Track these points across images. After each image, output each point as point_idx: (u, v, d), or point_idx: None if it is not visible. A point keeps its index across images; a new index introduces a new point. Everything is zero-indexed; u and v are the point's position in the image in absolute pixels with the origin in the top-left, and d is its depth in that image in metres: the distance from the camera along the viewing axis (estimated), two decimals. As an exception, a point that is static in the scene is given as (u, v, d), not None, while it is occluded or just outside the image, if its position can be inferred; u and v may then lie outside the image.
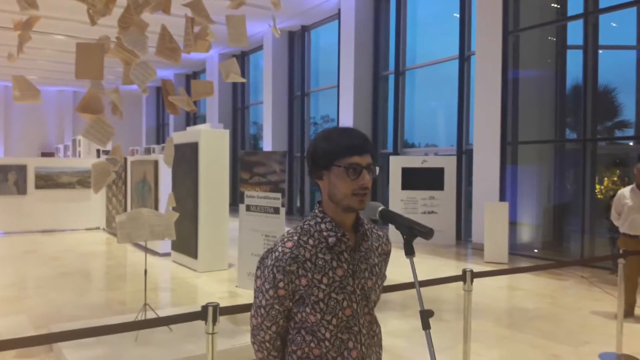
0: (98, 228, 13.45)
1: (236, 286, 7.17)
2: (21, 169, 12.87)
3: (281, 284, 1.45)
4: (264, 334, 1.52)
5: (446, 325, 5.56)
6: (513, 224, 10.26)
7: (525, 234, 10.78)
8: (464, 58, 11.87)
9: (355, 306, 1.50)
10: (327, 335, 1.47)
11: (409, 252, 1.49)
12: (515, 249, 9.99)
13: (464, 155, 11.88)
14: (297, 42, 17.30)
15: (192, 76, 24.37)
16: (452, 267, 8.74)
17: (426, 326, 1.42)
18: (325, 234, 1.49)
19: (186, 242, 8.42)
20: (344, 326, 1.48)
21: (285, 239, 1.49)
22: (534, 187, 10.93)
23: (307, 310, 1.46)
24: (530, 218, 10.80)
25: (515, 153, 10.66)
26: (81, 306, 6.25)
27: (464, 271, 3.47)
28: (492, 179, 10.45)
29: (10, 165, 12.87)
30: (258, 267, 1.52)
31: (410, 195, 11.43)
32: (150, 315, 4.65)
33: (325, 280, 1.45)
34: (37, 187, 12.97)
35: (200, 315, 2.46)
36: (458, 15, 12.03)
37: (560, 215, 10.60)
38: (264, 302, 1.49)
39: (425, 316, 1.42)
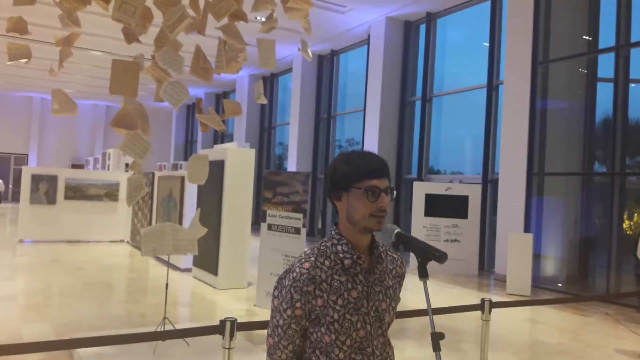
0: (122, 241, 13.68)
1: (254, 305, 7.20)
2: (52, 179, 13.23)
3: (298, 304, 1.48)
4: (280, 352, 1.54)
5: (463, 356, 5.47)
6: (537, 256, 10.08)
7: (550, 267, 10.57)
8: (492, 87, 11.86)
9: (369, 327, 1.52)
10: (341, 355, 1.49)
11: (423, 274, 1.52)
12: (538, 282, 9.80)
13: (490, 184, 11.78)
14: (325, 65, 17.54)
15: (223, 96, 24.84)
16: (473, 298, 8.61)
17: (436, 348, 1.45)
18: (341, 255, 1.53)
19: (207, 259, 8.50)
20: (358, 347, 1.51)
21: (303, 260, 1.53)
22: (560, 219, 10.74)
23: (322, 330, 1.49)
24: (555, 251, 10.60)
25: (541, 184, 10.53)
26: (102, 317, 6.36)
27: (483, 300, 3.45)
28: (517, 209, 10.32)
29: (42, 175, 13.25)
30: (276, 287, 1.56)
31: (433, 222, 11.35)
32: (169, 328, 4.71)
33: (340, 301, 1.49)
34: (67, 197, 13.29)
35: (218, 329, 2.50)
36: (487, 44, 12.07)
37: (586, 250, 10.38)
38: (281, 322, 1.52)
39: (436, 338, 1.44)
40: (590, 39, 10.51)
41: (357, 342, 1.51)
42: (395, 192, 1.55)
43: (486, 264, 11.57)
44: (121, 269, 10.18)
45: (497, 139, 11.53)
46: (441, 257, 1.51)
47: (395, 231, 1.62)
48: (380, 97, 13.98)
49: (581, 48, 10.60)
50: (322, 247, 1.56)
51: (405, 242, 1.59)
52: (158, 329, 4.79)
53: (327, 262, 1.52)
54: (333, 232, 1.58)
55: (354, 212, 1.52)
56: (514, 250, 9.18)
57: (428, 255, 1.53)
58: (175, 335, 2.79)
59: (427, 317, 1.53)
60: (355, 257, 1.53)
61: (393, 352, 1.65)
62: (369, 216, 1.51)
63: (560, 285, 10.04)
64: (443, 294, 8.62)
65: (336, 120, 17.27)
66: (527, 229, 10.09)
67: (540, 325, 7.13)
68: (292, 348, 1.53)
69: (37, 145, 29.17)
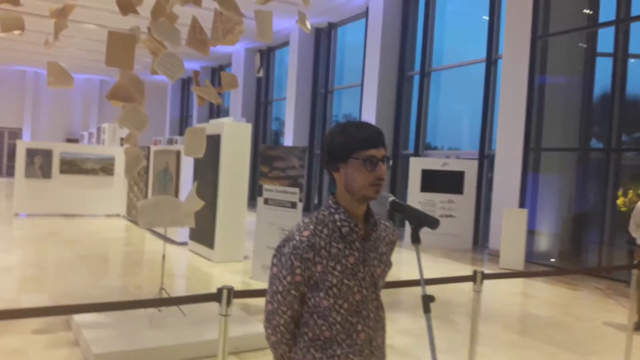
0: (118, 215, 13.71)
1: (250, 278, 7.27)
2: (47, 154, 13.17)
3: (298, 271, 1.52)
4: (279, 318, 1.58)
5: (455, 327, 5.56)
6: (531, 232, 10.16)
7: (543, 242, 10.67)
8: (491, 61, 11.79)
9: (364, 292, 1.58)
10: (338, 318, 1.54)
11: (416, 239, 1.56)
12: (532, 257, 9.89)
13: (486, 159, 11.81)
14: (323, 39, 17.35)
15: (219, 69, 24.61)
16: (465, 271, 8.70)
17: (427, 310, 1.49)
18: (339, 223, 1.56)
19: (204, 232, 8.54)
20: (354, 310, 1.56)
21: (302, 228, 1.57)
22: (555, 195, 10.80)
23: (321, 295, 1.53)
24: (549, 227, 10.69)
25: (537, 160, 10.55)
26: (99, 288, 6.41)
27: (475, 272, 3.50)
28: (512, 185, 10.36)
29: (36, 149, 13.19)
30: (275, 255, 1.59)
31: (428, 198, 11.40)
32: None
33: (338, 267, 1.53)
34: (62, 171, 13.26)
35: (215, 297, 2.54)
36: (487, 18, 11.95)
37: (579, 226, 10.47)
38: (280, 288, 1.56)
39: (427, 301, 1.49)
40: (590, 12, 10.42)
41: (354, 305, 1.56)
42: (391, 161, 1.57)
43: (480, 239, 11.66)
44: (117, 242, 10.23)
45: (495, 114, 11.50)
46: (434, 223, 1.54)
47: (390, 199, 1.64)
48: (379, 71, 13.88)
49: (581, 22, 10.51)
50: (320, 216, 1.60)
51: (400, 210, 1.62)
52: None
53: (325, 230, 1.56)
54: (330, 202, 1.61)
55: (353, 181, 1.55)
56: (508, 226, 9.25)
57: (421, 221, 1.56)
58: (173, 302, 2.83)
59: (419, 289, 1.56)
60: (352, 224, 1.56)
61: (384, 316, 1.71)
62: (367, 185, 1.54)
63: (553, 260, 10.15)
64: (437, 267, 8.71)
65: (333, 95, 17.18)
66: (522, 205, 10.15)
67: (532, 299, 7.23)
68: (290, 313, 1.57)
69: (30, 119, 28.96)
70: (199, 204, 5.08)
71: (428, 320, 1.50)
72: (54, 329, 4.74)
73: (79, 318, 4.61)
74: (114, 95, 4.69)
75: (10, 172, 21.61)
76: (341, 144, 1.56)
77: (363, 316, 1.58)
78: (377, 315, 1.64)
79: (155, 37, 4.81)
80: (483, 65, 11.94)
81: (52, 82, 5.14)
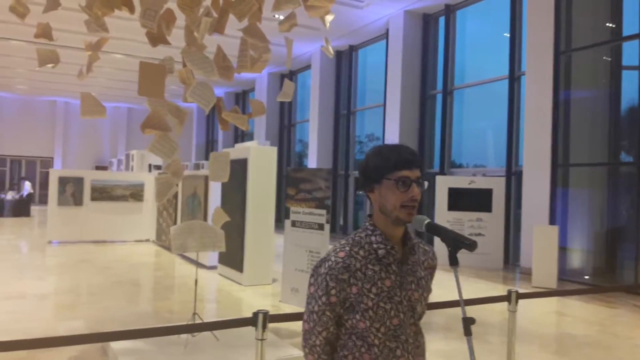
0: (148, 240, 13.91)
1: (280, 301, 7.27)
2: (78, 181, 13.50)
3: (333, 292, 1.54)
4: (315, 338, 1.59)
5: (490, 348, 5.47)
6: (563, 249, 9.97)
7: (576, 259, 10.44)
8: (514, 78, 11.74)
9: (402, 316, 1.57)
10: (376, 342, 1.54)
11: (454, 262, 1.56)
12: (564, 274, 9.69)
13: (514, 176, 11.68)
14: (344, 61, 17.54)
15: (242, 94, 25.01)
16: (498, 291, 8.57)
17: (467, 333, 1.49)
18: (375, 245, 1.57)
19: (233, 256, 8.62)
20: (392, 335, 1.55)
21: (338, 250, 1.58)
22: (586, 211, 10.60)
23: (357, 317, 1.54)
24: (581, 243, 10.47)
25: (566, 176, 10.40)
26: (132, 314, 6.50)
27: (509, 291, 3.46)
28: (541, 201, 10.22)
29: (68, 177, 13.53)
30: (312, 275, 1.61)
31: (456, 217, 11.30)
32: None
33: (374, 290, 1.54)
34: (93, 199, 13.56)
35: (251, 321, 2.57)
36: (508, 35, 11.94)
37: (613, 242, 10.23)
38: (316, 308, 1.57)
39: (467, 323, 1.49)
40: (613, 26, 10.33)
41: (392, 329, 1.55)
42: (427, 183, 1.59)
43: (511, 257, 11.48)
44: (148, 267, 10.37)
45: (520, 130, 11.41)
46: (471, 245, 1.54)
47: (425, 222, 1.65)
48: (400, 91, 13.94)
49: (604, 36, 10.42)
50: (356, 238, 1.61)
51: (436, 232, 1.63)
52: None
53: (361, 252, 1.57)
54: (367, 224, 1.63)
55: (386, 202, 1.57)
56: (539, 243, 9.10)
57: (458, 243, 1.56)
58: (209, 327, 2.87)
59: (452, 310, 1.57)
60: (389, 247, 1.57)
61: (424, 342, 1.69)
62: (400, 206, 1.55)
63: (587, 277, 9.92)
64: (469, 287, 8.59)
65: (356, 115, 17.28)
66: (552, 222, 9.99)
67: (567, 318, 7.07)
68: (325, 334, 1.58)
69: (61, 148, 29.74)
70: (225, 218, 5.12)
71: (469, 342, 1.50)
72: (91, 357, 4.82)
73: (115, 345, 4.69)
74: (147, 125, 4.83)
75: (43, 200, 22.18)
76: (376, 165, 1.59)
77: (402, 341, 1.57)
78: (417, 340, 1.63)
79: (189, 67, 4.95)
80: (506, 82, 11.90)
81: (86, 112, 5.28)
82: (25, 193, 21.84)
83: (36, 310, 6.63)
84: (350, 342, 1.58)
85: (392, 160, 1.56)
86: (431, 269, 1.72)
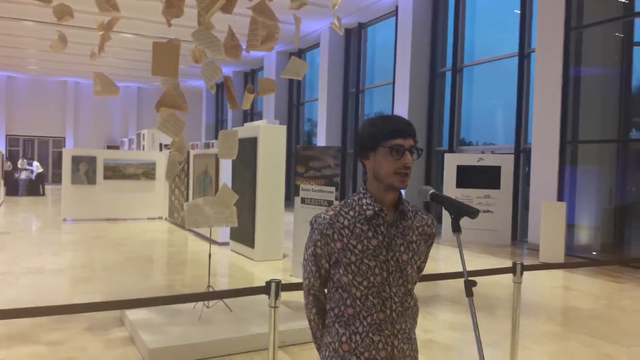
0: (160, 218, 14.13)
1: (290, 275, 7.44)
2: (91, 160, 13.70)
3: (319, 244, 1.70)
4: (306, 281, 1.77)
5: (495, 321, 5.60)
6: (571, 225, 10.03)
7: (584, 236, 10.50)
8: (524, 55, 11.67)
9: (385, 274, 1.66)
10: (358, 294, 1.66)
11: (456, 229, 1.65)
12: (572, 250, 9.77)
13: (522, 154, 11.70)
14: (353, 39, 17.46)
15: (250, 73, 24.99)
16: (505, 265, 8.67)
17: (469, 294, 1.59)
18: (365, 207, 1.69)
19: (244, 232, 8.78)
20: (375, 291, 1.65)
21: (329, 209, 1.73)
22: (594, 188, 10.62)
23: (341, 271, 1.67)
24: (589, 220, 10.52)
25: (575, 153, 10.41)
26: (147, 288, 6.70)
27: (514, 263, 3.56)
28: (550, 178, 10.25)
29: (81, 156, 13.73)
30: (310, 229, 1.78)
31: (465, 194, 11.36)
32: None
33: (359, 246, 1.65)
34: (105, 177, 13.77)
35: (264, 290, 2.69)
36: (519, 12, 11.83)
37: (621, 218, 10.25)
38: (306, 257, 1.76)
39: (469, 285, 1.58)
40: (626, 1, 10.21)
41: (375, 286, 1.65)
42: (421, 151, 1.67)
43: (519, 233, 11.56)
44: (161, 243, 10.58)
45: (530, 108, 11.39)
46: (473, 212, 1.63)
47: (430, 191, 1.75)
48: (410, 69, 13.90)
49: (616, 12, 10.30)
50: (349, 200, 1.74)
51: (440, 201, 1.72)
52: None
53: (351, 212, 1.69)
54: (361, 188, 1.74)
55: (380, 169, 1.66)
56: (547, 219, 9.16)
57: (461, 211, 1.65)
58: (224, 295, 3.00)
59: (459, 284, 1.66)
60: (377, 209, 1.67)
61: (416, 305, 1.77)
62: (393, 173, 1.64)
63: (594, 253, 9.99)
64: (476, 262, 8.70)
65: (365, 94, 17.26)
66: (560, 199, 10.03)
67: (573, 292, 7.17)
68: (310, 281, 1.75)
69: (73, 128, 29.99)
70: (232, 195, 5.24)
71: (471, 304, 1.60)
72: (108, 327, 5.01)
73: (132, 316, 4.87)
74: (162, 104, 4.93)
75: (56, 179, 22.48)
76: (371, 134, 1.68)
77: (383, 297, 1.66)
78: (405, 302, 1.70)
79: (197, 46, 5.02)
80: (516, 59, 11.84)
81: (99, 91, 5.37)
82: (34, 173, 22.14)
83: (54, 284, 6.85)
84: (337, 295, 1.71)
85: (387, 129, 1.65)
86: (427, 236, 1.78)
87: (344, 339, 1.67)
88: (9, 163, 21.95)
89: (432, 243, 1.82)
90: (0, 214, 14.81)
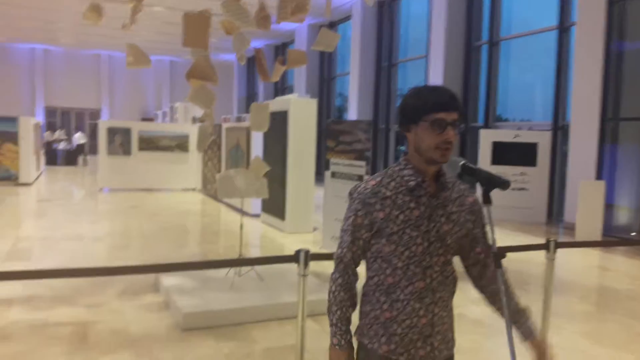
0: (194, 189, 14.38)
1: (320, 248, 7.50)
2: (126, 132, 13.98)
3: (360, 213, 1.68)
4: (340, 250, 1.76)
5: (527, 298, 5.51)
6: (610, 205, 9.77)
7: (623, 216, 10.22)
8: (564, 28, 11.25)
9: (426, 244, 1.66)
10: (399, 264, 1.66)
11: (487, 201, 1.64)
12: (610, 231, 9.52)
13: (560, 131, 11.38)
14: (386, 11, 17.12)
15: (281, 47, 24.87)
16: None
17: (498, 265, 1.58)
18: (406, 178, 1.67)
19: (275, 204, 8.87)
20: (416, 260, 1.66)
21: (370, 179, 1.72)
22: (636, 167, 10.28)
23: (383, 241, 1.67)
24: (629, 200, 10.20)
25: (616, 130, 10.07)
26: (182, 255, 6.86)
27: (548, 240, 3.50)
28: (588, 156, 9.96)
29: (117, 127, 14.03)
30: (349, 200, 1.76)
31: (500, 171, 11.14)
32: (245, 267, 5.06)
33: (401, 217, 1.65)
34: (140, 149, 14.06)
35: (294, 258, 2.72)
36: (560, -17, 11.37)
37: (663, 198, 9.93)
38: (345, 227, 1.74)
39: (498, 257, 1.57)
40: (676, -29, 9.68)
41: (416, 255, 1.66)
42: (464, 126, 1.64)
43: (555, 212, 11.34)
44: (195, 214, 10.79)
45: (569, 83, 11.03)
46: (504, 183, 1.61)
47: (461, 162, 1.72)
48: (444, 42, 13.58)
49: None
50: (389, 171, 1.72)
51: (471, 172, 1.69)
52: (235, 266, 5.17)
53: (392, 183, 1.68)
54: (401, 160, 1.73)
55: (421, 142, 1.64)
56: (585, 198, 8.95)
57: (492, 182, 1.62)
58: (256, 262, 3.06)
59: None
60: (419, 180, 1.66)
61: (454, 274, 1.77)
62: (434, 147, 1.61)
63: (633, 234, 9.72)
64: (510, 240, 8.59)
65: (397, 68, 16.99)
66: (599, 177, 9.76)
67: (610, 272, 7.02)
68: (347, 251, 1.73)
69: (108, 100, 30.52)
70: (264, 167, 5.29)
71: (499, 275, 1.59)
72: (144, 292, 5.17)
73: (167, 282, 5.01)
74: (192, 74, 4.96)
75: (92, 150, 23.04)
76: (414, 106, 1.65)
77: (424, 266, 1.66)
78: (445, 270, 1.71)
79: (226, 17, 5.01)
80: (555, 33, 11.43)
81: (132, 62, 5.43)
82: (75, 144, 22.74)
83: (92, 250, 7.08)
84: (376, 265, 1.71)
85: (429, 103, 1.62)
86: (467, 206, 1.76)
87: (385, 306, 1.69)
88: (58, 132, 22.70)
89: (479, 209, 1.79)
90: (40, 182, 15.31)
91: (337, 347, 1.74)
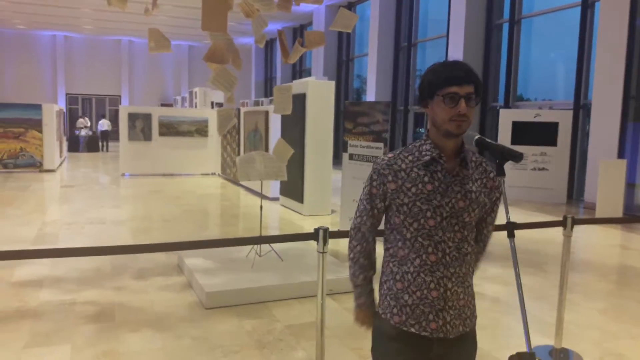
0: (214, 174, 14.55)
1: (338, 229, 7.56)
2: (147, 117, 14.16)
3: (374, 184, 1.76)
4: (357, 219, 1.84)
5: (545, 276, 5.55)
6: (631, 185, 9.64)
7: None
8: (587, 5, 11.01)
9: (439, 219, 1.68)
10: (408, 235, 1.71)
11: (500, 173, 1.67)
12: (631, 210, 9.42)
13: (581, 110, 11.20)
14: (405, -9, 16.91)
15: (300, 29, 24.76)
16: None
17: (511, 234, 1.65)
18: (423, 153, 1.72)
19: (293, 187, 8.95)
20: (426, 233, 1.69)
21: (389, 153, 1.78)
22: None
23: (394, 212, 1.74)
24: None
25: (638, 108, 9.88)
26: (203, 237, 6.99)
27: (565, 217, 3.50)
28: (610, 136, 9.81)
29: (137, 113, 14.20)
30: None
31: (520, 150, 11.05)
32: (265, 248, 5.16)
33: (413, 189, 1.69)
34: (161, 134, 14.24)
35: (313, 236, 2.79)
36: (583, -43, 11.10)
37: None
38: (362, 196, 1.83)
39: (511, 228, 1.64)
40: None
41: (426, 229, 1.69)
42: (479, 99, 1.66)
43: (575, 192, 11.22)
44: (215, 198, 10.94)
45: (592, 62, 10.82)
46: (517, 156, 1.65)
47: (476, 137, 1.75)
48: (465, 21, 13.40)
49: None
50: (409, 146, 1.78)
51: (485, 147, 1.72)
52: (255, 247, 5.28)
53: (410, 157, 1.73)
54: (423, 136, 1.77)
55: (436, 117, 1.69)
56: (605, 177, 8.84)
57: (505, 155, 1.66)
58: (276, 240, 3.14)
59: (507, 242, 1.67)
60: (435, 154, 1.69)
61: (472, 251, 1.78)
62: (448, 120, 1.65)
63: (655, 213, 9.60)
64: (529, 219, 8.55)
65: (417, 48, 16.82)
66: (620, 157, 9.62)
67: (630, 251, 6.97)
68: (361, 220, 1.81)
69: (128, 86, 30.81)
70: (288, 150, 5.34)
71: (512, 243, 1.63)
72: (167, 273, 5.31)
73: (189, 262, 5.14)
74: (210, 58, 5.02)
75: (112, 136, 23.39)
76: (429, 82, 1.69)
77: (435, 240, 1.69)
78: (462, 248, 1.72)
79: (246, 0, 5.04)
80: (578, 10, 11.19)
81: (153, 47, 5.51)
82: (99, 130, 23.09)
83: (116, 234, 7.26)
84: (392, 236, 1.78)
85: (442, 77, 1.65)
86: (489, 190, 1.77)
87: (397, 277, 1.74)
88: (82, 120, 23.08)
89: (497, 198, 1.81)
90: (63, 168, 15.63)
91: (363, 307, 1.87)
